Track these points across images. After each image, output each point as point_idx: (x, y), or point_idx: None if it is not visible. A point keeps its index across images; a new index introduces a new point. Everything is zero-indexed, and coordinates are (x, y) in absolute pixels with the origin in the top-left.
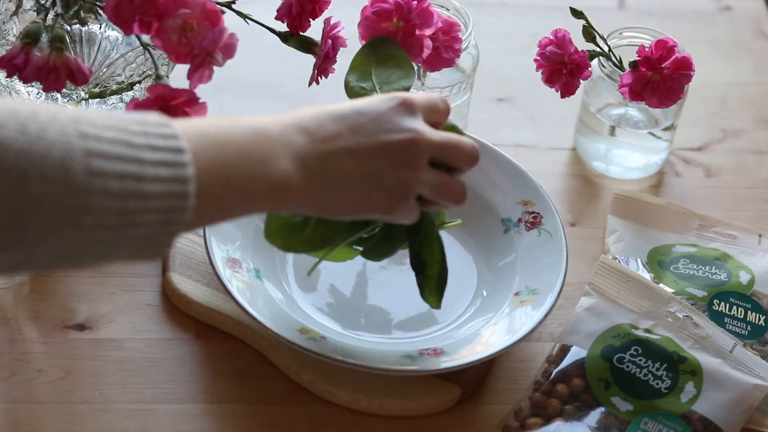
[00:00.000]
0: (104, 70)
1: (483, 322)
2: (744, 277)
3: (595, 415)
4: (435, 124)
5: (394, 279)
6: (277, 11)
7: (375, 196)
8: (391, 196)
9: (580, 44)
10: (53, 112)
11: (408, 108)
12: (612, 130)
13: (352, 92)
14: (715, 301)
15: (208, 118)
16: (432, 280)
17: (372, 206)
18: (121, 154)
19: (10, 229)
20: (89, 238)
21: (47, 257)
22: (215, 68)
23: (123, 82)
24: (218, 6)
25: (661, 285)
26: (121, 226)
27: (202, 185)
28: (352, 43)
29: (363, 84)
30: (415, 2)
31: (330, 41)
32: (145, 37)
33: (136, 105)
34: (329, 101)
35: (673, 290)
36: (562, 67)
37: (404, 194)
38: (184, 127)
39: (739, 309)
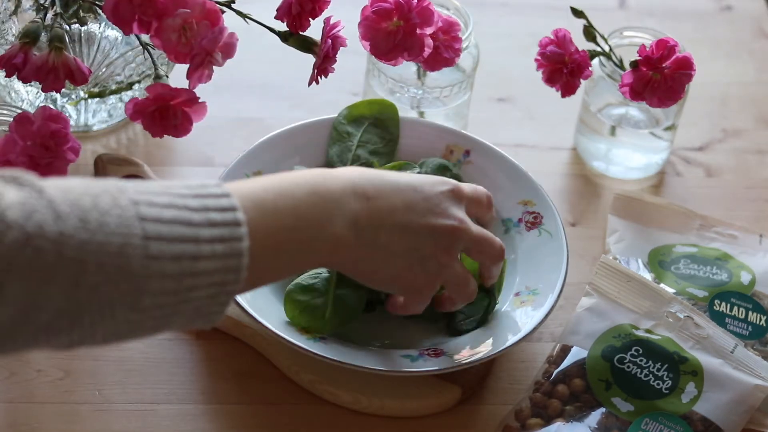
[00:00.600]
0: (103, 69)
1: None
2: (745, 278)
3: (595, 416)
4: (475, 216)
5: None
6: (277, 11)
7: (414, 272)
8: (427, 276)
9: (581, 44)
10: (114, 195)
11: (457, 196)
12: (612, 130)
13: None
14: (716, 301)
15: (267, 177)
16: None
17: (408, 281)
18: (178, 235)
19: (67, 315)
20: (144, 316)
21: (103, 336)
22: (215, 68)
23: (122, 81)
24: (218, 5)
25: (661, 285)
26: (174, 304)
27: (255, 256)
28: (352, 43)
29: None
30: (416, 1)
31: (330, 41)
32: (145, 37)
33: (136, 104)
34: (329, 101)
35: (673, 290)
36: (562, 67)
37: (438, 276)
38: (240, 193)
39: (740, 309)
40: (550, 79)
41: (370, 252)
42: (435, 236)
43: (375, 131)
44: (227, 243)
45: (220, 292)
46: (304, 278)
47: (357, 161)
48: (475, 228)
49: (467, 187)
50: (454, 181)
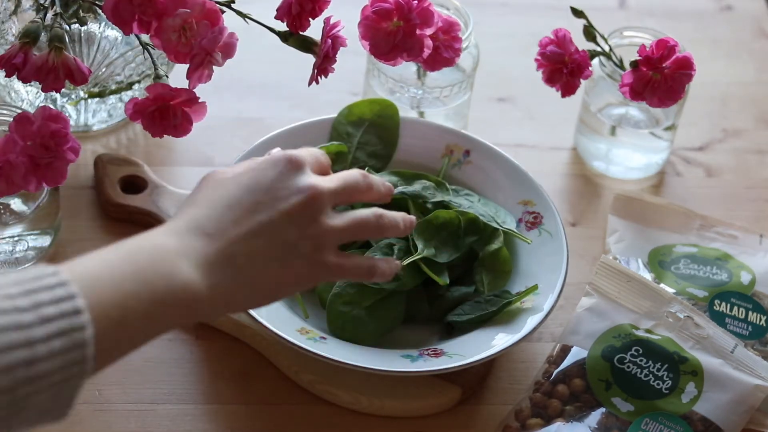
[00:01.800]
0: (103, 69)
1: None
2: (745, 278)
3: (595, 416)
4: (323, 174)
5: None
6: (277, 11)
7: (291, 266)
8: (307, 260)
9: (581, 44)
10: None
11: (295, 166)
12: (613, 130)
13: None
14: (716, 301)
15: (107, 248)
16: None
17: (292, 279)
18: (8, 343)
19: None
20: None
21: None
22: (215, 68)
23: (122, 81)
24: (218, 5)
25: (661, 285)
26: (8, 416)
27: (103, 337)
28: (352, 43)
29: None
30: (416, 2)
31: (330, 41)
32: (145, 37)
33: (136, 104)
34: (329, 101)
35: (674, 290)
36: (562, 67)
37: (319, 252)
38: (78, 274)
39: (740, 309)
40: (550, 79)
41: (235, 278)
42: (292, 219)
43: (374, 132)
44: (67, 336)
45: (63, 388)
46: (343, 287)
47: (356, 164)
48: (332, 180)
49: (302, 151)
50: (286, 153)
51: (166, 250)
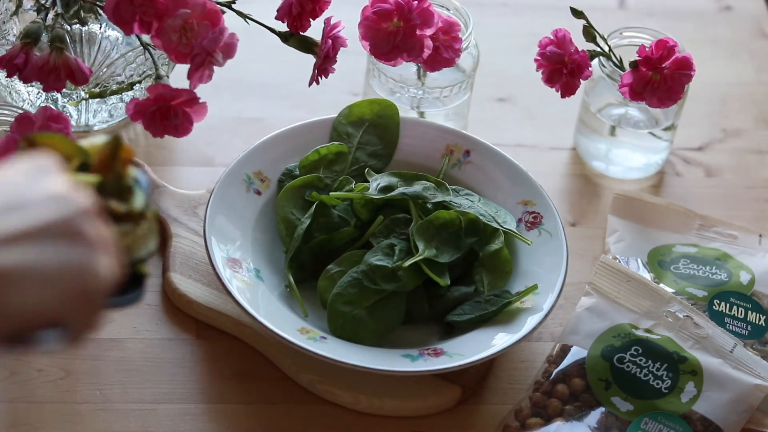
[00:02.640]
0: (104, 69)
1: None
2: (744, 277)
3: (595, 415)
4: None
5: None
6: (277, 11)
7: (60, 278)
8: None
9: (581, 44)
10: None
11: (38, 158)
12: (612, 130)
13: None
14: (715, 301)
15: None
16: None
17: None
18: None
19: None
20: None
21: None
22: (215, 68)
23: (123, 81)
24: (218, 6)
25: (661, 285)
26: None
27: None
28: (352, 43)
29: None
30: (416, 2)
31: (330, 41)
32: (145, 37)
33: (136, 105)
34: (329, 101)
35: (673, 290)
36: (562, 67)
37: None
38: None
39: (740, 309)
40: (550, 80)
41: None
42: (46, 225)
43: (375, 132)
44: None
45: None
46: (344, 287)
47: (356, 164)
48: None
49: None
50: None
51: None
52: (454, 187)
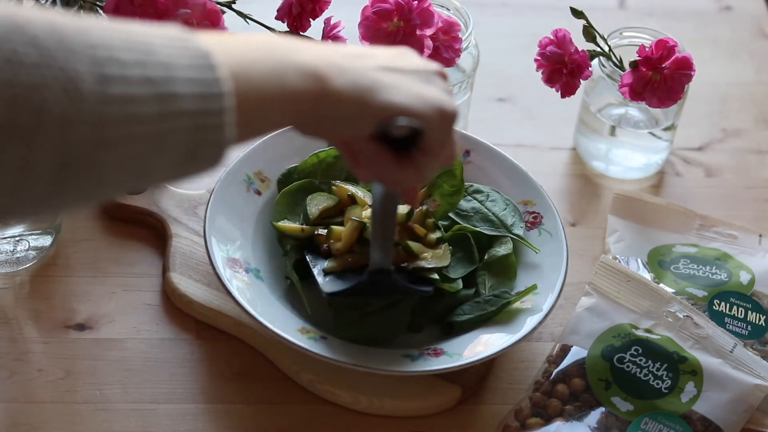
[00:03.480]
0: None
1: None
2: (744, 277)
3: (595, 415)
4: None
5: None
6: (277, 11)
7: (429, 86)
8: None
9: (581, 44)
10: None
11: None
12: (612, 130)
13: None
14: (715, 301)
15: (228, 35)
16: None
17: (429, 94)
18: (139, 60)
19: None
20: (118, 154)
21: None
22: None
23: None
24: (218, 6)
25: (661, 285)
26: (151, 151)
27: (239, 96)
28: (353, 43)
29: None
30: (416, 2)
31: (330, 41)
32: None
33: None
34: None
35: (673, 290)
36: (562, 67)
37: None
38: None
39: (740, 309)
40: (549, 80)
41: (363, 79)
42: (422, 79)
43: None
44: (200, 70)
45: (204, 125)
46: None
47: None
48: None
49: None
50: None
51: (283, 40)
52: None
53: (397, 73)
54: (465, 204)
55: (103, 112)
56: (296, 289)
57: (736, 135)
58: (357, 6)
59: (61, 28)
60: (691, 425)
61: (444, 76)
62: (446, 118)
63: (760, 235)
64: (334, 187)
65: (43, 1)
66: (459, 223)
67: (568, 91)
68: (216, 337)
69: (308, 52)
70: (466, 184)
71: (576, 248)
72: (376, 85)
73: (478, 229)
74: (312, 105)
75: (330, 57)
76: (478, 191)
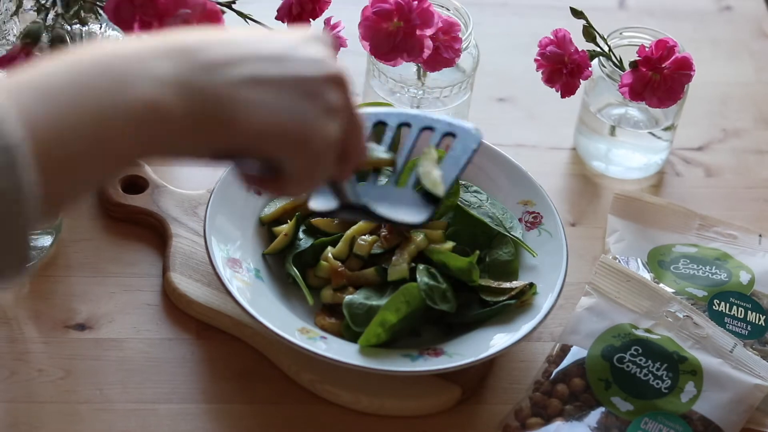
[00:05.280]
0: None
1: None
2: (744, 277)
3: (595, 415)
4: None
5: None
6: (277, 11)
7: (303, 113)
8: (317, 118)
9: (581, 44)
10: None
11: (323, 47)
12: (612, 130)
13: None
14: (715, 300)
15: (42, 64)
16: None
17: (298, 127)
18: None
19: None
20: None
21: None
22: None
23: None
24: (218, 6)
25: (661, 285)
26: None
27: (40, 154)
28: (353, 43)
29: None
30: (416, 2)
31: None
32: None
33: None
34: None
35: (673, 290)
36: (562, 67)
37: (312, 124)
38: (12, 89)
39: (740, 309)
40: (549, 80)
41: (221, 106)
42: (297, 84)
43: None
44: None
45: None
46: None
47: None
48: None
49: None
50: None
51: (122, 55)
52: (463, 182)
53: (266, 87)
54: (469, 197)
55: None
56: (296, 289)
57: (736, 135)
58: (357, 6)
59: None
60: (691, 425)
61: (341, 83)
62: (311, 151)
63: (760, 235)
64: None
65: (43, 1)
66: (460, 219)
67: (568, 91)
68: (216, 337)
69: (145, 81)
70: (466, 183)
71: (576, 248)
72: (226, 108)
73: (482, 218)
74: (141, 143)
75: (179, 71)
76: (479, 192)
